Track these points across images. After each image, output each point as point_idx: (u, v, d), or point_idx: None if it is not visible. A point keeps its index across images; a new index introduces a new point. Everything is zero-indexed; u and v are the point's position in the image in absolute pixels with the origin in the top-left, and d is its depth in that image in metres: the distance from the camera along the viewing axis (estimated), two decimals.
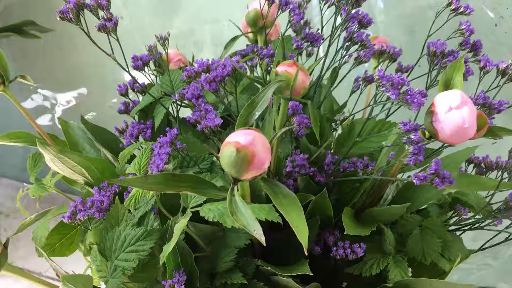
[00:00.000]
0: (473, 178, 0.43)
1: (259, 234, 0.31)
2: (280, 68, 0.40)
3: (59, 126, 0.61)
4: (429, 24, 0.54)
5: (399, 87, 0.35)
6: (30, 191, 0.53)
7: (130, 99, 0.62)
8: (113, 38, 0.48)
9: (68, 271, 0.50)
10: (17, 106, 0.55)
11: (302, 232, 0.31)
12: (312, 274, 0.38)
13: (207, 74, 0.41)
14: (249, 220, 0.32)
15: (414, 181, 0.37)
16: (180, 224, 0.37)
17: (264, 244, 0.30)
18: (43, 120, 0.94)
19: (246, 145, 0.31)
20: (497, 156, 0.46)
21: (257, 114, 0.35)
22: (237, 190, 0.34)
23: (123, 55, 0.52)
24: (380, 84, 0.36)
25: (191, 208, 0.39)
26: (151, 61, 0.61)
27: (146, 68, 0.60)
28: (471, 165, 0.52)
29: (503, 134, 0.39)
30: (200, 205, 0.39)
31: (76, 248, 0.58)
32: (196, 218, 0.42)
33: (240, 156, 0.31)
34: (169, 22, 1.11)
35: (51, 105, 0.89)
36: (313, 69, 0.42)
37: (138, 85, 0.59)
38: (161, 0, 1.09)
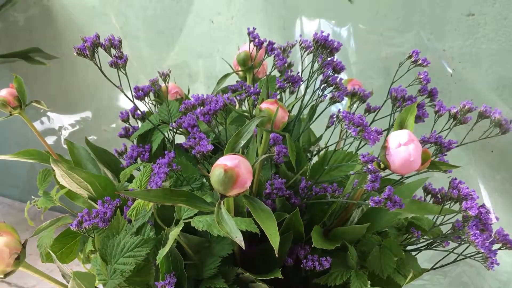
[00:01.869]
0: (421, 204, 0.51)
1: (240, 240, 0.38)
2: (264, 105, 0.48)
3: (64, 147, 0.68)
4: (402, 69, 0.62)
5: (358, 125, 0.43)
6: (38, 203, 0.59)
7: (130, 125, 0.69)
8: (122, 72, 0.56)
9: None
10: (31, 127, 0.62)
11: (274, 239, 0.38)
12: (283, 277, 0.45)
13: (202, 107, 0.49)
14: (232, 228, 0.39)
15: (370, 203, 0.45)
16: (174, 232, 0.44)
17: (244, 248, 0.38)
18: (48, 141, 1.01)
19: (232, 167, 0.39)
20: (440, 188, 0.54)
21: (243, 142, 0.42)
22: (223, 204, 0.41)
23: (119, 81, 0.59)
24: (344, 122, 0.44)
25: (184, 219, 0.46)
26: (151, 92, 0.69)
27: (146, 98, 0.68)
28: (429, 196, 0.60)
29: (444, 168, 0.47)
30: (191, 217, 0.46)
31: (74, 257, 0.64)
32: (186, 230, 0.49)
33: (227, 175, 0.39)
34: (165, 54, 1.20)
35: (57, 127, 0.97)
36: (292, 107, 0.50)
37: (139, 112, 0.66)
38: (158, 34, 1.18)
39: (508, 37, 0.89)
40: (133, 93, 0.66)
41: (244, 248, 0.38)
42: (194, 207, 0.42)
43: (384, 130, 0.54)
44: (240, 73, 0.71)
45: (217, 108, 0.48)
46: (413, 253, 0.59)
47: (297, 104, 0.65)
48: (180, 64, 1.16)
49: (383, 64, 0.96)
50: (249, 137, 0.42)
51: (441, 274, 0.61)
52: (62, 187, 0.64)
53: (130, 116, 0.68)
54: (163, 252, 0.44)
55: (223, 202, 0.41)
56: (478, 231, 0.46)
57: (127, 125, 0.69)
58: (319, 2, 0.99)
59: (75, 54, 0.55)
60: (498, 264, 0.47)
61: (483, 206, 0.47)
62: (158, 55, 1.19)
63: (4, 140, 1.42)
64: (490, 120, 0.55)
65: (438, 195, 0.59)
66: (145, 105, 0.68)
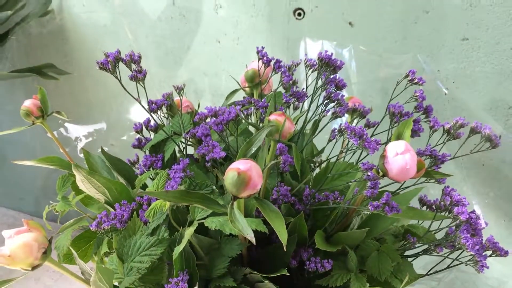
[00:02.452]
0: (417, 211, 0.55)
1: (251, 237, 0.42)
2: (272, 117, 0.52)
3: (80, 155, 0.72)
4: (399, 87, 0.67)
5: (359, 136, 0.48)
6: (57, 206, 0.63)
7: (143, 136, 0.73)
8: (141, 85, 0.60)
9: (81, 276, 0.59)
10: (52, 136, 0.66)
11: (283, 235, 0.42)
12: (288, 274, 0.49)
13: (215, 118, 0.53)
14: (244, 226, 0.43)
15: (369, 208, 0.49)
16: (189, 231, 0.48)
17: (254, 244, 0.41)
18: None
19: (245, 170, 0.43)
20: (435, 199, 0.58)
21: (253, 149, 0.46)
22: (236, 205, 0.45)
23: (137, 93, 0.64)
24: (346, 133, 0.48)
25: (197, 220, 0.50)
26: (163, 106, 0.73)
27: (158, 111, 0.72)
28: (424, 206, 0.64)
29: (437, 176, 0.51)
30: (204, 218, 0.50)
31: (89, 259, 0.68)
32: (198, 232, 0.53)
33: (240, 178, 0.43)
34: (173, 72, 1.25)
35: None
36: (298, 120, 0.55)
37: (152, 124, 0.71)
38: (167, 53, 1.23)
39: (500, 61, 0.94)
40: (148, 106, 0.70)
41: (254, 244, 0.41)
42: (208, 207, 0.46)
43: (383, 144, 0.58)
44: (247, 89, 0.76)
45: (230, 118, 0.53)
46: (410, 259, 0.62)
47: (301, 119, 0.69)
48: (186, 81, 1.20)
49: (381, 84, 1.01)
50: (259, 144, 0.46)
51: (435, 280, 0.64)
52: (79, 193, 0.68)
53: (144, 127, 0.73)
54: (178, 249, 0.48)
55: (236, 203, 0.45)
56: (468, 235, 0.50)
57: (140, 136, 0.73)
58: (321, 24, 1.04)
59: (98, 68, 0.59)
60: (487, 267, 0.51)
61: (473, 212, 0.51)
62: (166, 73, 1.24)
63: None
64: (480, 136, 0.59)
65: (433, 206, 0.63)
66: (158, 118, 0.72)
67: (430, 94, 0.70)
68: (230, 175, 0.43)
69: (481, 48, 0.94)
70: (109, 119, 1.21)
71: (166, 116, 0.74)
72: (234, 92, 0.73)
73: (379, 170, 0.49)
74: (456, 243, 0.52)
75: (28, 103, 0.64)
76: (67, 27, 1.31)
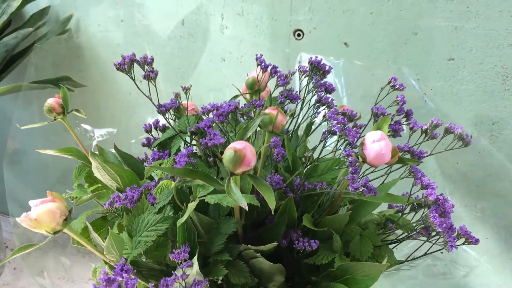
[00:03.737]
0: (393, 196, 0.61)
1: (244, 204, 0.49)
2: (267, 110, 0.59)
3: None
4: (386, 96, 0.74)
5: (341, 124, 0.55)
6: (73, 193, 0.70)
7: (152, 135, 0.81)
8: (152, 84, 0.68)
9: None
10: (71, 131, 0.74)
11: (271, 202, 0.49)
12: (277, 244, 0.55)
13: (217, 110, 0.61)
14: (238, 197, 0.49)
15: (350, 189, 0.55)
16: (192, 205, 0.55)
17: (247, 209, 0.48)
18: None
19: (240, 148, 0.50)
20: (416, 196, 0.64)
21: (249, 134, 0.54)
22: (232, 180, 0.52)
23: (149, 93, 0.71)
24: (330, 121, 0.56)
25: (199, 197, 0.57)
26: (171, 108, 0.80)
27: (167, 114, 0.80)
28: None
29: (409, 163, 0.58)
30: (205, 196, 0.57)
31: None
32: (200, 210, 0.60)
33: (236, 155, 0.50)
34: (179, 88, 1.33)
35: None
36: (289, 115, 0.62)
37: (160, 125, 0.78)
38: (175, 70, 1.32)
39: (484, 80, 1.02)
40: (157, 109, 0.78)
41: (247, 209, 0.48)
42: (209, 183, 0.53)
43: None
44: (247, 96, 0.84)
45: (230, 109, 0.60)
46: (392, 248, 0.69)
47: (294, 122, 0.76)
48: (192, 96, 1.29)
49: (373, 100, 1.08)
50: (254, 130, 0.54)
51: (413, 266, 0.70)
52: (91, 185, 0.75)
53: (153, 128, 0.80)
54: (181, 220, 0.54)
55: (232, 178, 0.52)
56: (437, 215, 0.56)
57: (149, 136, 0.81)
58: (319, 44, 1.12)
59: (115, 69, 0.67)
60: (456, 247, 0.57)
61: (441, 194, 0.58)
62: (174, 88, 1.32)
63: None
64: (453, 135, 0.66)
65: (414, 204, 0.69)
66: (166, 119, 0.80)
67: (418, 110, 0.77)
68: (227, 153, 0.50)
69: (466, 68, 1.02)
70: (118, 130, 1.29)
71: (173, 118, 0.82)
72: (234, 97, 0.81)
73: (359, 156, 0.56)
74: (427, 223, 0.58)
75: (51, 101, 0.72)
76: (83, 45, 1.40)
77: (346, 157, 0.56)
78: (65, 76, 1.25)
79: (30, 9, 1.42)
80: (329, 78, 0.73)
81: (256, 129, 0.58)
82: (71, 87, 1.25)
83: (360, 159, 0.56)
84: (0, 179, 1.37)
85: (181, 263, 0.56)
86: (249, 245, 0.58)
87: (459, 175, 1.10)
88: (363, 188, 0.55)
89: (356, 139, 0.55)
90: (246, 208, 0.48)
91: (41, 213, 0.51)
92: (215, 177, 0.65)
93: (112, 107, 1.42)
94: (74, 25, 1.38)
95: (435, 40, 1.03)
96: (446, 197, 0.58)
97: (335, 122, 0.54)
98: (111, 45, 1.37)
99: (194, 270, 0.55)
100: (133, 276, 0.51)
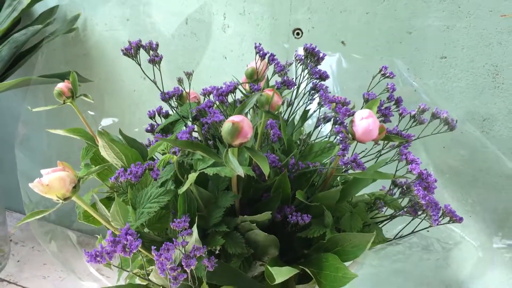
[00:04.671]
0: (381, 173, 0.65)
1: (240, 172, 0.53)
2: (264, 92, 0.64)
3: None
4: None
5: (332, 102, 0.59)
6: (81, 172, 0.74)
7: (156, 122, 0.85)
8: (156, 68, 0.72)
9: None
10: (79, 114, 0.78)
11: (266, 169, 0.52)
12: (271, 216, 0.59)
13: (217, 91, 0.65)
14: (236, 165, 0.53)
15: (340, 163, 0.59)
16: (192, 176, 0.59)
17: (242, 176, 0.52)
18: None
19: (238, 121, 0.54)
20: (405, 180, 0.68)
21: (246, 110, 0.58)
22: (230, 152, 0.56)
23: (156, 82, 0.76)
24: (321, 100, 0.60)
25: (199, 170, 0.61)
26: (174, 96, 0.85)
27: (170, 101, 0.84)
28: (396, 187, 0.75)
29: (396, 140, 0.62)
30: (205, 168, 0.61)
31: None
32: (199, 185, 0.64)
33: (233, 127, 0.54)
34: (183, 85, 1.38)
35: None
36: (284, 96, 0.66)
37: (165, 111, 0.83)
38: (178, 68, 1.36)
39: (474, 77, 1.06)
40: (161, 96, 0.82)
41: (242, 176, 0.52)
42: (209, 155, 0.57)
43: None
44: (247, 86, 0.88)
45: (229, 89, 0.64)
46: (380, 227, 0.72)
47: (291, 109, 0.81)
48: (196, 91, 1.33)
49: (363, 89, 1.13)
50: (251, 106, 0.58)
51: (401, 243, 0.74)
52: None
53: (156, 114, 0.84)
54: (183, 189, 0.58)
55: (230, 150, 0.56)
56: (420, 188, 0.60)
57: (152, 122, 0.85)
58: (317, 42, 1.16)
59: (122, 54, 0.72)
60: (439, 222, 0.61)
61: (425, 169, 0.62)
62: (177, 85, 1.37)
63: None
64: (440, 120, 0.70)
65: (404, 187, 0.73)
66: (169, 105, 0.84)
67: (409, 105, 0.81)
68: (226, 125, 0.55)
69: (458, 66, 1.07)
70: (122, 125, 1.34)
71: (176, 106, 0.86)
72: (235, 88, 0.85)
73: (349, 133, 0.60)
74: (411, 195, 0.62)
75: (61, 85, 0.77)
76: (89, 43, 1.45)
77: (336, 134, 0.60)
78: (71, 71, 1.30)
79: (39, 9, 1.47)
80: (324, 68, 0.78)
81: (253, 107, 0.62)
82: (78, 82, 1.29)
83: (350, 136, 0.60)
84: (6, 175, 1.41)
85: (181, 231, 0.60)
86: (245, 216, 0.62)
87: (451, 171, 1.14)
88: (352, 164, 0.59)
89: (346, 117, 0.60)
90: (242, 175, 0.52)
91: (52, 179, 0.55)
92: None
93: (115, 103, 1.46)
94: (81, 24, 1.43)
95: (428, 39, 1.07)
96: (430, 172, 0.61)
97: (326, 100, 0.59)
98: (117, 43, 1.42)
99: (193, 238, 0.59)
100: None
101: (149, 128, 0.84)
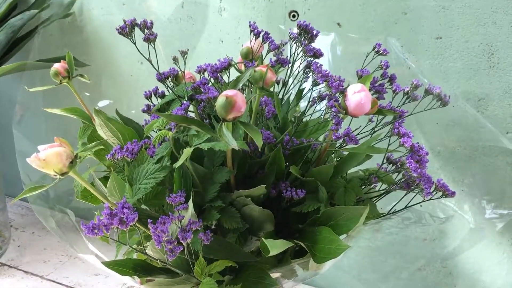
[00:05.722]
0: (374, 147, 0.66)
1: (234, 145, 0.53)
2: (257, 68, 0.64)
3: None
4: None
5: (325, 76, 0.60)
6: (78, 151, 0.75)
7: (152, 102, 0.85)
8: (152, 46, 0.73)
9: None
10: (75, 95, 0.78)
11: (258, 140, 0.53)
12: (265, 191, 0.60)
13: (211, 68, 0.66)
14: (230, 139, 0.54)
15: (332, 137, 0.60)
16: (187, 150, 0.59)
17: (237, 149, 0.53)
18: None
19: (232, 95, 0.55)
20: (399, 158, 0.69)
21: (240, 85, 0.58)
22: (225, 126, 0.56)
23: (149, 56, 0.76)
24: (314, 74, 0.60)
25: (194, 145, 0.62)
26: (170, 77, 0.85)
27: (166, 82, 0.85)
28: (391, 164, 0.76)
29: (387, 114, 0.63)
30: (200, 144, 0.61)
31: (100, 202, 0.79)
32: (195, 162, 0.65)
33: (227, 101, 0.55)
34: (180, 68, 1.38)
35: None
36: (279, 73, 0.67)
37: (161, 91, 0.83)
38: (175, 51, 1.36)
39: (470, 57, 1.06)
40: (157, 76, 0.82)
41: (237, 149, 0.53)
42: (203, 130, 0.58)
43: None
44: (242, 65, 0.88)
45: (224, 66, 0.65)
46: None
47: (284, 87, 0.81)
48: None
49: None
50: (245, 81, 0.58)
51: (394, 217, 0.75)
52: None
53: (153, 95, 0.85)
54: (178, 163, 0.59)
55: (224, 124, 0.56)
56: (412, 161, 0.61)
57: (148, 103, 0.85)
58: (313, 24, 1.16)
59: (117, 33, 0.72)
60: (431, 194, 0.62)
61: (417, 142, 0.63)
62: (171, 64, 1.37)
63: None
64: (433, 96, 0.71)
65: (398, 164, 0.74)
66: (165, 86, 0.84)
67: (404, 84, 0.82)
68: (219, 100, 0.55)
69: (453, 46, 1.07)
70: (118, 109, 1.34)
71: (172, 86, 0.86)
72: (229, 65, 0.85)
73: (342, 108, 0.61)
74: (403, 169, 0.63)
75: (57, 65, 0.77)
76: (86, 28, 1.45)
77: (329, 109, 0.61)
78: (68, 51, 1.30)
79: None
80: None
81: (248, 84, 0.63)
82: (75, 66, 1.30)
83: (343, 111, 0.61)
84: (6, 162, 1.42)
85: (177, 206, 0.61)
86: (240, 191, 0.63)
87: (447, 151, 1.15)
88: (345, 138, 0.60)
89: (338, 91, 0.60)
90: (236, 148, 0.53)
91: (49, 154, 0.56)
92: None
93: (113, 89, 1.47)
94: (78, 9, 1.43)
95: (423, 19, 1.07)
96: (421, 145, 0.62)
97: (319, 74, 0.59)
98: (114, 28, 1.41)
99: (189, 212, 0.60)
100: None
101: (145, 109, 0.85)
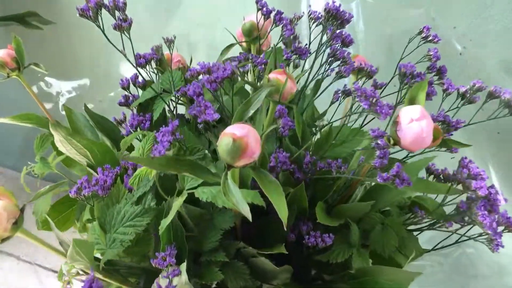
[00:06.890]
0: (429, 183, 0.50)
1: (246, 211, 0.37)
2: (272, 75, 0.46)
3: (62, 113, 0.67)
4: (407, 46, 0.61)
5: (371, 99, 0.42)
6: (35, 168, 0.58)
7: (130, 93, 0.67)
8: (126, 36, 0.54)
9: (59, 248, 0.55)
10: (29, 91, 0.60)
11: (283, 212, 0.37)
12: (287, 253, 0.44)
13: (209, 75, 0.47)
14: (239, 199, 0.38)
15: (378, 180, 0.44)
16: (177, 202, 0.43)
17: (251, 220, 0.37)
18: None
19: (241, 136, 0.38)
20: (444, 168, 0.53)
21: (251, 111, 0.41)
22: (230, 175, 0.40)
23: (122, 46, 0.58)
24: (356, 95, 0.43)
25: (187, 190, 0.45)
26: (153, 60, 0.66)
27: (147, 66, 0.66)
28: (431, 176, 0.60)
29: (456, 146, 0.46)
30: (195, 188, 0.45)
31: (71, 225, 0.63)
32: (188, 200, 0.48)
33: (235, 145, 0.37)
34: (165, 22, 1.17)
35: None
36: (299, 79, 0.49)
37: (140, 80, 0.65)
38: (159, 2, 1.15)
39: None
40: (135, 61, 0.64)
41: (251, 220, 0.37)
42: (199, 177, 0.41)
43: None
44: (244, 44, 0.70)
45: (225, 76, 0.47)
46: (415, 234, 0.58)
47: (302, 78, 0.63)
48: (179, 33, 1.13)
49: (387, 41, 0.94)
50: (258, 106, 0.41)
51: (441, 255, 0.61)
52: (60, 153, 0.63)
53: (131, 84, 0.67)
54: (165, 222, 0.43)
55: (230, 173, 0.40)
56: (486, 212, 0.45)
57: (127, 93, 0.67)
58: None
59: (78, 15, 0.53)
60: (503, 246, 0.47)
61: (492, 186, 0.47)
62: (158, 23, 1.16)
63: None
64: (499, 101, 0.54)
65: (441, 176, 0.58)
66: (147, 73, 0.66)
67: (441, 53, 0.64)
68: (224, 141, 0.38)
69: (495, 5, 0.88)
70: (96, 75, 1.14)
71: (156, 72, 0.68)
72: (229, 46, 0.67)
73: (390, 138, 0.44)
74: (471, 220, 0.47)
75: (1, 54, 0.58)
76: None
77: (373, 139, 0.44)
78: (32, 11, 1.08)
79: None
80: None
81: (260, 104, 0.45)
82: (39, 24, 1.08)
83: (392, 141, 0.44)
84: None
85: (166, 269, 0.45)
86: (250, 248, 0.47)
87: (480, 126, 0.98)
88: (394, 179, 0.43)
89: (386, 117, 0.43)
90: (250, 217, 0.37)
91: None
92: (206, 151, 0.52)
93: (88, 49, 1.25)
94: None
95: None
96: (498, 190, 0.46)
97: (362, 96, 0.42)
98: None
99: (182, 279, 0.45)
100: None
101: (122, 101, 0.67)
